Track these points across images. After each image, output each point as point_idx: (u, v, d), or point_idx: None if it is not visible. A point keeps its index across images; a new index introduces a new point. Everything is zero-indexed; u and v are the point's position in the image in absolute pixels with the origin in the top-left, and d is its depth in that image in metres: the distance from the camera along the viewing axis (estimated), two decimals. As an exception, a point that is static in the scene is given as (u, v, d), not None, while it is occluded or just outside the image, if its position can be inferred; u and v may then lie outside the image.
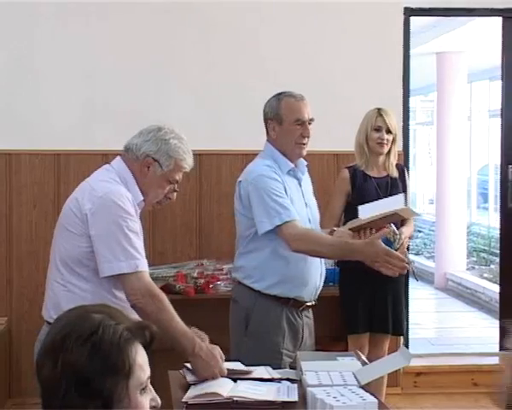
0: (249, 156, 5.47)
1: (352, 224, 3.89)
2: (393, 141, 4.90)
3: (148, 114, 5.38)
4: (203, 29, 5.74)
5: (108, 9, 5.64)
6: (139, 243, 3.03)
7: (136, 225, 3.04)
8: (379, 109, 4.91)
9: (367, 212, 3.88)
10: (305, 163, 3.80)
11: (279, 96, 3.72)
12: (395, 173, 4.94)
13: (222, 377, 3.00)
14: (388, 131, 4.85)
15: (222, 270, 5.41)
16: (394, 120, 4.94)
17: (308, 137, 3.70)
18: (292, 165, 3.69)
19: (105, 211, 2.97)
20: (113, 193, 3.00)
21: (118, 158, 3.18)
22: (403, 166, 5.17)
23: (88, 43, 5.63)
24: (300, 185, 3.75)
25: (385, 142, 4.85)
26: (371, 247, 3.40)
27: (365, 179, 4.86)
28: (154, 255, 5.53)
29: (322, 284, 3.78)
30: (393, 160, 4.94)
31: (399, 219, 4.01)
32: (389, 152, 4.90)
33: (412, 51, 6.27)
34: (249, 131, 5.66)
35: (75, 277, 3.01)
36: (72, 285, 3.01)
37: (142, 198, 3.12)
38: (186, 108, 5.69)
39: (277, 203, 3.52)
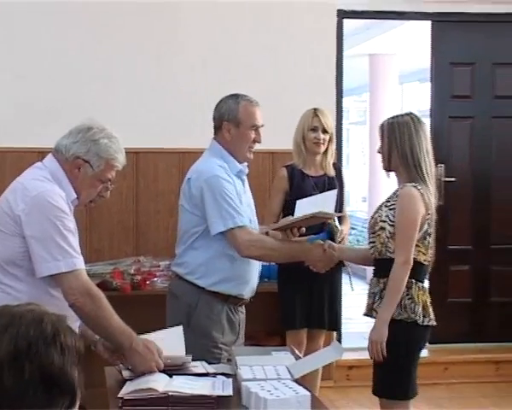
0: (185, 154, 5.50)
1: (280, 224, 3.92)
2: (330, 140, 4.92)
3: (84, 112, 5.32)
4: (141, 28, 5.71)
5: (47, 8, 5.56)
6: (75, 241, 2.97)
7: (71, 223, 2.98)
8: (315, 110, 4.92)
9: (303, 206, 3.91)
10: (246, 164, 3.81)
11: (237, 100, 3.67)
12: (332, 172, 4.95)
13: (158, 371, 2.99)
14: (324, 131, 4.87)
15: (159, 266, 5.38)
16: (330, 120, 4.97)
17: (260, 142, 3.72)
18: (240, 166, 3.69)
19: (39, 211, 2.90)
20: (46, 192, 2.93)
21: (50, 156, 3.09)
22: (340, 166, 5.21)
23: (24, 39, 5.55)
24: (244, 186, 3.76)
25: (321, 141, 4.86)
26: (317, 247, 3.67)
27: (303, 178, 4.87)
28: (91, 252, 5.48)
29: (258, 281, 3.82)
30: (330, 159, 4.96)
31: (324, 220, 4.05)
32: (326, 151, 4.92)
33: (345, 53, 6.33)
34: (185, 129, 5.66)
35: (8, 277, 2.94)
36: (6, 286, 2.93)
37: (76, 196, 3.06)
38: (123, 106, 5.65)
39: (231, 207, 3.53)
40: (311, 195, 4.49)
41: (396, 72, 11.47)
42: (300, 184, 4.85)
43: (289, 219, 3.89)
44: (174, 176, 5.62)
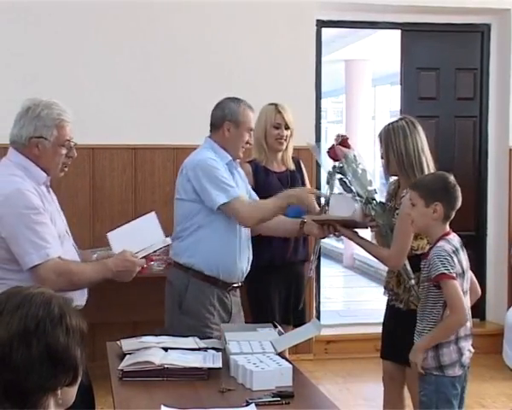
0: (179, 150, 5.48)
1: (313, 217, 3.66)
2: (291, 135, 4.54)
3: (84, 113, 5.32)
4: (138, 27, 5.65)
5: (35, 5, 5.49)
6: (48, 231, 2.88)
7: (41, 216, 2.88)
8: (276, 106, 4.54)
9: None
10: (238, 161, 3.85)
11: (239, 103, 3.71)
12: (292, 166, 4.60)
13: (154, 347, 3.00)
14: (287, 127, 4.50)
15: (155, 251, 5.34)
16: (291, 115, 4.56)
17: (251, 144, 3.82)
18: (230, 157, 3.69)
19: (8, 213, 2.84)
20: (11, 193, 2.85)
21: (11, 149, 3.00)
22: (298, 159, 4.71)
23: (26, 40, 5.52)
24: (234, 179, 3.72)
25: (284, 138, 4.50)
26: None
27: (267, 174, 4.51)
28: (94, 239, 5.47)
29: (249, 267, 3.75)
30: (291, 153, 4.60)
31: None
32: (287, 147, 4.55)
33: (324, 59, 6.33)
34: (179, 127, 5.65)
35: (9, 274, 2.86)
36: (10, 280, 2.80)
37: (46, 175, 2.98)
38: (122, 106, 5.62)
39: (225, 183, 3.56)
40: (277, 190, 3.94)
41: (369, 76, 11.49)
42: (265, 181, 4.49)
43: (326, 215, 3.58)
44: (169, 169, 5.62)
